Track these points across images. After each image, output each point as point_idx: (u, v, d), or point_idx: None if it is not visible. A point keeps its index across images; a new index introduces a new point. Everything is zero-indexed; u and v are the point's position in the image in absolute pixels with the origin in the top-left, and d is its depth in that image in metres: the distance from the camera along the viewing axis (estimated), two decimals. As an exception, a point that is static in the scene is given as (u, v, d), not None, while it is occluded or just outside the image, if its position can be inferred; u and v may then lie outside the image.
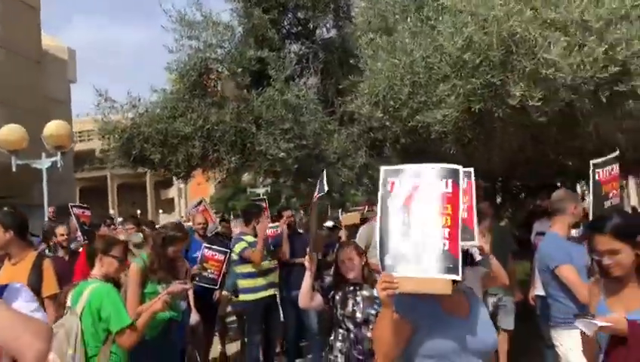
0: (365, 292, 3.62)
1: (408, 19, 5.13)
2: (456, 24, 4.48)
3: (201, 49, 7.56)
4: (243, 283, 6.32)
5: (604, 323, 2.30)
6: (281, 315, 6.42)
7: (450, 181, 2.27)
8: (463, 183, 2.32)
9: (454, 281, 2.19)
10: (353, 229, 7.78)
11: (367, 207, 8.89)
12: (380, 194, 2.35)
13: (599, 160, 4.24)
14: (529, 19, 4.03)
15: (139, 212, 43.34)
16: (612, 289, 2.48)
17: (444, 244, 2.22)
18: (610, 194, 4.24)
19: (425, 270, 2.19)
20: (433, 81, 4.77)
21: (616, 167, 4.27)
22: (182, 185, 48.44)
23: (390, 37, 5.36)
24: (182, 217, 43.55)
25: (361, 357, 3.47)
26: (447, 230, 2.23)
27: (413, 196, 2.30)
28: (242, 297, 6.37)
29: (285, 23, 8.66)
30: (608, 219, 2.50)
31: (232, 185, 27.75)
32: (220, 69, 7.51)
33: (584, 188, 10.70)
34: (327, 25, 8.85)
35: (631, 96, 4.40)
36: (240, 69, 7.31)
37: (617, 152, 4.31)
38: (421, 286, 2.19)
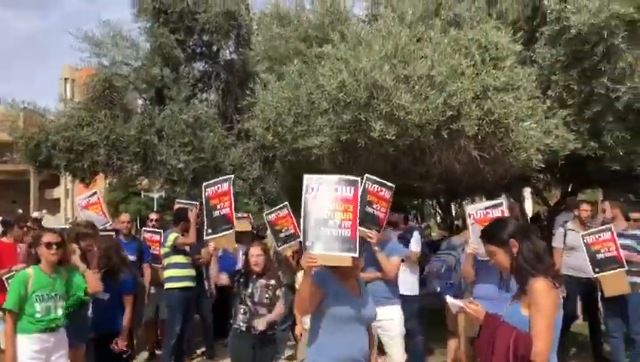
0: (263, 281, 4.79)
1: (295, 61, 6.15)
2: (333, 70, 5.57)
3: (107, 65, 8.12)
4: (170, 272, 6.91)
5: (465, 306, 2.76)
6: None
7: (351, 188, 3.27)
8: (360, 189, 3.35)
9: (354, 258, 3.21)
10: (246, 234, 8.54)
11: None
12: (303, 196, 3.25)
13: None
14: (386, 72, 5.21)
15: (20, 211, 40.90)
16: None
17: (347, 232, 3.22)
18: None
19: (334, 249, 3.19)
20: (314, 113, 5.83)
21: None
22: (69, 186, 46.25)
23: (279, 77, 6.35)
24: (68, 219, 41.42)
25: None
26: (349, 222, 3.23)
27: (327, 197, 3.26)
28: (168, 285, 6.89)
29: (191, 44, 9.40)
30: (485, 227, 2.96)
31: (124, 189, 27.43)
32: (125, 85, 8.10)
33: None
34: (230, 48, 9.69)
35: (462, 134, 5.69)
36: (144, 85, 7.96)
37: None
38: (332, 261, 3.20)
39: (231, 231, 4.98)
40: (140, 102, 8.28)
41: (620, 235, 5.85)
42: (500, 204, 4.90)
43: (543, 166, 6.28)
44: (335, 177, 3.34)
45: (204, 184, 5.11)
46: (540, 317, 2.49)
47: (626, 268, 5.63)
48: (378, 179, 4.88)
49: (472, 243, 4.77)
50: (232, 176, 5.19)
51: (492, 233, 2.81)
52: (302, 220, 3.28)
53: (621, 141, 6.49)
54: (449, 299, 2.87)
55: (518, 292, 2.69)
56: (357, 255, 3.22)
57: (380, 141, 5.56)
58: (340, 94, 5.51)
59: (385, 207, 4.84)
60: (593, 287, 6.28)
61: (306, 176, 3.32)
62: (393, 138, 5.43)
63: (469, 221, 4.97)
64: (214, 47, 9.54)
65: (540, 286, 2.54)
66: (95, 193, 7.60)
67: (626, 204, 6.51)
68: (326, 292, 3.21)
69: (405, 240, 6.14)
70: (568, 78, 6.61)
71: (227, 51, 9.77)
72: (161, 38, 8.54)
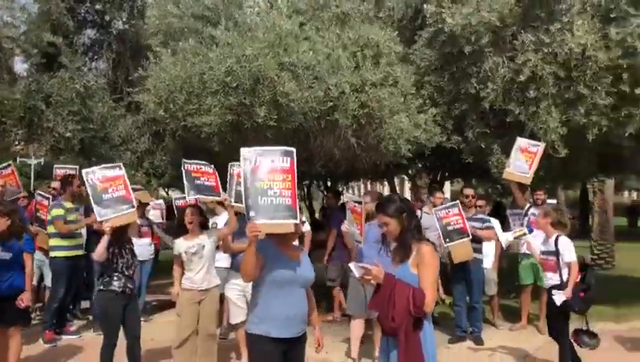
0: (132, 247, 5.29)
1: (190, 40, 6.36)
2: (222, 54, 5.88)
3: (-6, 25, 7.79)
4: (56, 241, 6.93)
5: (370, 268, 3.06)
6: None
7: (288, 158, 3.34)
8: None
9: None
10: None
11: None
12: (242, 168, 3.32)
13: None
14: (270, 61, 5.63)
15: None
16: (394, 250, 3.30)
17: (288, 200, 3.32)
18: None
19: (276, 217, 3.29)
20: (205, 93, 6.10)
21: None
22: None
23: (173, 52, 6.53)
24: None
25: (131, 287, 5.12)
26: (289, 191, 3.33)
27: (265, 168, 3.30)
28: (52, 254, 6.94)
29: (82, 11, 9.18)
30: (381, 201, 3.47)
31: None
32: (13, 48, 7.83)
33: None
34: (123, 18, 9.57)
35: (337, 125, 6.25)
36: (35, 50, 7.75)
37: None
38: (275, 229, 3.30)
39: (132, 210, 4.97)
40: (26, 66, 8.01)
41: (469, 219, 6.74)
42: (360, 203, 5.75)
43: (411, 155, 7.03)
44: (271, 148, 3.42)
45: (85, 171, 4.99)
46: (429, 273, 3.04)
47: (470, 237, 6.52)
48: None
49: (346, 223, 5.74)
50: (120, 163, 5.21)
51: (387, 206, 3.28)
52: (242, 192, 3.34)
53: (481, 136, 7.36)
54: (353, 265, 3.18)
55: (401, 256, 3.16)
56: (298, 221, 3.46)
57: (262, 125, 5.96)
58: (227, 78, 5.84)
59: None
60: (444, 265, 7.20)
61: (243, 149, 3.34)
62: (275, 123, 5.85)
63: (347, 207, 5.68)
64: (107, 17, 9.38)
65: (427, 248, 3.10)
66: (10, 165, 7.61)
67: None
68: (265, 258, 3.35)
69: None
70: (440, 79, 7.39)
71: (120, 22, 9.64)
72: (50, 3, 8.31)
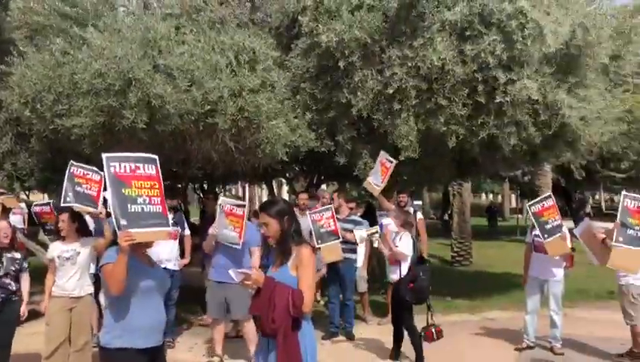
0: (8, 254, 5.18)
1: (58, 40, 6.11)
2: (92, 55, 5.73)
3: None
4: None
5: (250, 273, 3.08)
6: None
7: (152, 165, 3.36)
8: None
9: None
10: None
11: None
12: (105, 175, 3.22)
13: None
14: (141, 63, 5.58)
15: None
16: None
17: (158, 208, 3.32)
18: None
19: (148, 225, 3.26)
20: (75, 93, 5.89)
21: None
22: None
23: (39, 50, 6.22)
24: None
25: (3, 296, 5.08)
26: (158, 198, 3.33)
27: (131, 175, 3.27)
28: None
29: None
30: (265, 202, 3.52)
31: None
32: None
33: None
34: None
35: (215, 128, 6.33)
36: None
37: None
38: (149, 237, 3.31)
39: None
40: None
41: (342, 221, 7.14)
42: (243, 206, 5.90)
43: (288, 159, 7.29)
44: (134, 155, 3.36)
45: None
46: (308, 274, 3.12)
47: (341, 239, 6.87)
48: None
49: (215, 226, 5.73)
50: None
51: (271, 207, 3.31)
52: (110, 200, 3.25)
53: (351, 141, 7.81)
54: (232, 271, 3.12)
55: (281, 259, 3.21)
56: (170, 228, 3.45)
57: (135, 127, 5.87)
58: (97, 80, 5.70)
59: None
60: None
61: (105, 155, 3.27)
62: (145, 126, 5.80)
63: (219, 209, 5.71)
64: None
65: (306, 251, 3.18)
66: None
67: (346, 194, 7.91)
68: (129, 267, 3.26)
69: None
70: (314, 86, 7.72)
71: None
72: None
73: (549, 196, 6.49)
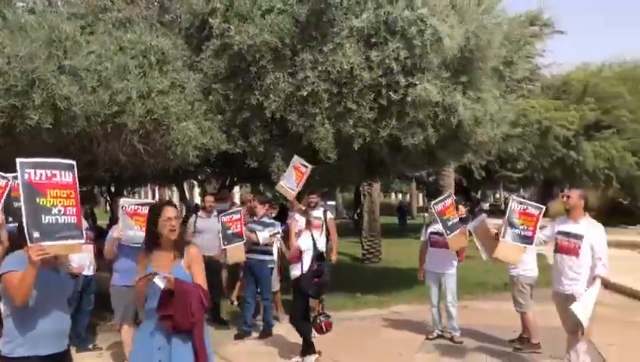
0: None
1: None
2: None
3: None
4: None
5: (170, 277, 3.20)
6: None
7: (70, 173, 3.19)
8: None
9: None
10: None
11: None
12: (19, 181, 2.99)
13: None
14: (45, 62, 5.40)
15: None
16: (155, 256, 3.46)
17: (73, 218, 3.13)
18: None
19: (63, 238, 3.10)
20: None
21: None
22: None
23: None
24: None
25: None
26: (73, 208, 3.14)
27: (47, 183, 3.06)
28: None
29: None
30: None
31: None
32: None
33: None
34: None
35: (127, 128, 6.22)
36: None
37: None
38: (62, 249, 3.14)
39: None
40: None
41: (254, 222, 7.28)
42: (149, 204, 5.70)
43: (199, 161, 7.27)
44: (51, 161, 3.16)
45: None
46: (201, 270, 3.45)
47: (245, 241, 7.00)
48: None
49: (118, 229, 5.58)
50: None
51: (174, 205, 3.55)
52: (22, 209, 3.00)
53: (264, 143, 7.91)
54: (157, 278, 3.17)
55: (173, 256, 3.42)
56: (84, 241, 3.35)
57: (39, 129, 5.67)
58: (-3, 80, 5.46)
59: None
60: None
61: (19, 161, 3.02)
62: (51, 127, 5.62)
63: (121, 211, 5.60)
64: None
65: (195, 249, 3.51)
66: None
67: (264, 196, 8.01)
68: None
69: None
70: (227, 88, 7.75)
71: None
72: None
73: (449, 195, 6.91)
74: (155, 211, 3.53)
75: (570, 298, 5.12)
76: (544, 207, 5.44)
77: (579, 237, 5.18)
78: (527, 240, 5.31)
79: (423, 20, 6.81)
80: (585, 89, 22.71)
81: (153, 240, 3.49)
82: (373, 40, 7.19)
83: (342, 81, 7.23)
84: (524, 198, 5.70)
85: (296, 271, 6.18)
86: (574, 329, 5.14)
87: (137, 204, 5.67)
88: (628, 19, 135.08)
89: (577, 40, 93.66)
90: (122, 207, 5.60)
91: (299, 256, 6.13)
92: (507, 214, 5.43)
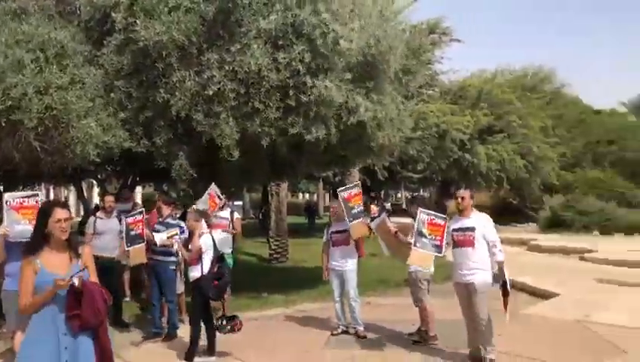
0: None
1: None
2: None
3: None
4: None
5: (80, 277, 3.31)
6: None
7: None
8: None
9: None
10: None
11: None
12: None
13: None
14: None
15: None
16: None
17: None
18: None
19: None
20: None
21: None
22: None
23: None
24: None
25: None
26: None
27: None
28: None
29: None
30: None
31: None
32: None
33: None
34: None
35: (22, 125, 5.90)
36: None
37: None
38: None
39: None
40: None
41: (160, 223, 7.16)
42: (36, 195, 5.51)
43: (99, 160, 7.02)
44: None
45: None
46: (94, 268, 3.56)
47: (145, 242, 6.90)
48: None
49: (4, 226, 5.28)
50: None
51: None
52: None
53: (169, 142, 7.76)
54: (76, 278, 3.31)
55: (70, 256, 3.47)
56: None
57: None
58: None
59: None
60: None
61: None
62: None
63: (5, 207, 5.31)
64: None
65: (88, 249, 3.67)
66: None
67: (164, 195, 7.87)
68: None
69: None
70: (130, 85, 7.53)
71: None
72: None
73: (357, 185, 7.32)
74: (45, 212, 3.49)
75: (470, 287, 5.67)
76: (447, 217, 6.01)
77: (471, 229, 5.74)
78: (438, 248, 5.86)
79: (325, 24, 7.01)
80: (479, 95, 24.14)
81: (41, 240, 3.46)
82: (280, 42, 7.29)
83: (249, 81, 7.26)
84: (423, 197, 6.13)
85: (195, 273, 6.14)
86: (473, 317, 5.71)
87: (22, 197, 5.40)
88: (518, 28, 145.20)
89: (475, 48, 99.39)
90: (7, 202, 5.31)
91: (198, 258, 6.09)
92: (416, 225, 5.93)
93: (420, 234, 5.88)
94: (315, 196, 49.22)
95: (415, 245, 5.90)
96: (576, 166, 30.02)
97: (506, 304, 5.72)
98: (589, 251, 14.97)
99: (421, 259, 5.95)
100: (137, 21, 7.04)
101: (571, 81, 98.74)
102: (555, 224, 21.91)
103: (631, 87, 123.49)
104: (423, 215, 5.94)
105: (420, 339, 6.73)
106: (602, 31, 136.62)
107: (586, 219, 21.22)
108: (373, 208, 7.67)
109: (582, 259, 14.57)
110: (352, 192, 7.06)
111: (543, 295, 9.66)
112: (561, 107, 33.58)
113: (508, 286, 5.68)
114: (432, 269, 6.63)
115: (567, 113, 33.65)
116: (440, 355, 6.22)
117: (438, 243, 5.84)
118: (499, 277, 5.67)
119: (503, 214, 23.37)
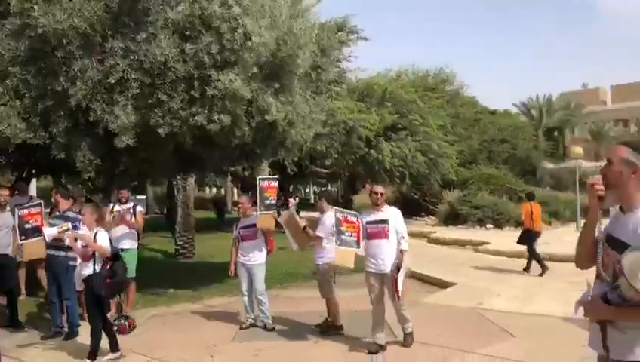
0: None
1: None
2: None
3: None
4: None
5: None
6: None
7: None
8: None
9: None
10: None
11: None
12: None
13: None
14: None
15: None
16: None
17: None
18: None
19: None
20: None
21: None
22: None
23: None
24: None
25: None
26: None
27: None
28: None
29: None
30: None
31: None
32: None
33: None
34: None
35: None
36: None
37: None
38: None
39: None
40: None
41: (56, 217, 6.86)
42: None
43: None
44: None
45: None
46: None
47: (42, 237, 6.52)
48: None
49: None
50: None
51: None
52: None
53: (68, 133, 7.40)
54: None
55: None
56: None
57: None
58: None
59: None
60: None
61: None
62: None
63: None
64: None
65: None
66: None
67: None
68: None
69: None
70: (26, 72, 7.10)
71: None
72: None
73: (277, 178, 7.72)
74: None
75: (385, 276, 6.05)
76: (358, 214, 6.41)
77: (385, 222, 6.13)
78: (357, 243, 6.20)
79: (235, 19, 6.99)
80: (384, 94, 24.89)
81: None
82: (187, 33, 7.18)
83: (155, 72, 7.09)
84: (330, 192, 6.36)
85: (86, 271, 5.91)
86: (391, 303, 6.16)
87: None
88: (424, 29, 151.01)
89: (382, 48, 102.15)
90: None
91: (91, 255, 5.87)
92: (334, 225, 6.26)
93: (340, 232, 6.19)
94: (223, 190, 48.65)
95: (338, 245, 6.21)
96: (472, 163, 31.74)
97: (398, 286, 6.03)
98: (483, 243, 16.02)
99: (344, 258, 6.22)
100: (35, 6, 6.66)
101: (469, 82, 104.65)
102: (452, 218, 23.15)
103: (522, 89, 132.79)
104: (337, 214, 6.25)
105: (327, 329, 6.92)
106: (498, 37, 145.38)
107: (481, 213, 22.61)
108: (292, 201, 7.83)
109: (476, 250, 15.57)
110: (270, 183, 7.34)
111: (441, 284, 10.23)
112: (459, 107, 35.35)
113: (401, 271, 6.03)
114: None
115: (465, 113, 35.50)
116: (346, 344, 6.44)
117: (355, 238, 6.17)
118: (399, 263, 6.03)
119: (406, 208, 24.28)
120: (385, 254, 6.07)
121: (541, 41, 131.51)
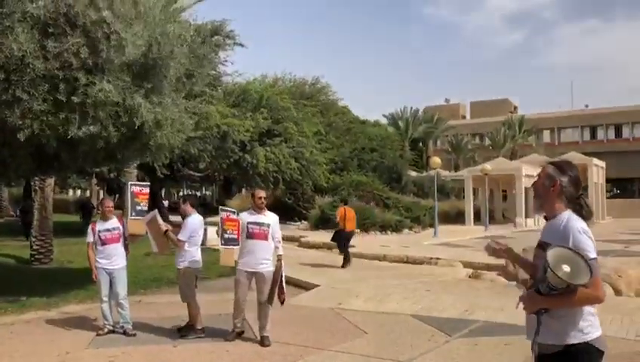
0: None
1: None
2: None
3: None
4: None
5: None
6: None
7: None
8: None
9: None
10: None
11: None
12: None
13: None
14: None
15: None
16: None
17: None
18: None
19: None
20: None
21: None
22: None
23: None
24: None
25: None
26: None
27: None
28: None
29: None
30: None
31: None
32: None
33: None
34: None
35: None
36: None
37: None
38: None
39: None
40: None
41: None
42: None
43: None
44: None
45: None
46: None
47: None
48: None
49: None
50: None
51: None
52: None
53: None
54: None
55: None
56: None
57: None
58: None
59: None
60: None
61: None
62: None
63: None
64: None
65: None
66: None
67: None
68: None
69: None
70: None
71: None
72: None
73: (149, 185, 7.79)
74: None
75: (258, 276, 6.53)
76: (236, 211, 7.03)
77: (267, 225, 6.62)
78: (235, 241, 6.74)
79: (107, 23, 6.84)
80: (260, 100, 25.20)
81: None
82: (50, 30, 6.89)
83: (11, 67, 6.73)
84: (195, 195, 6.50)
85: None
86: (260, 302, 6.57)
87: None
88: (303, 40, 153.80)
89: (259, 54, 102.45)
90: None
91: None
92: (219, 226, 6.80)
93: (224, 231, 6.73)
94: (88, 192, 46.11)
95: (222, 244, 6.76)
96: (344, 170, 33.01)
97: (275, 292, 6.52)
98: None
99: (229, 257, 6.78)
100: None
101: (343, 93, 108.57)
102: (323, 222, 23.91)
103: (390, 102, 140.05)
104: (222, 213, 6.87)
105: (187, 333, 6.95)
106: (370, 51, 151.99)
107: (349, 218, 23.62)
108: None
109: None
110: (142, 190, 7.46)
111: (305, 286, 10.63)
112: (332, 116, 36.64)
113: (283, 277, 6.65)
114: (201, 265, 7.08)
115: (338, 122, 36.85)
116: (205, 347, 6.53)
117: (235, 236, 6.72)
118: (278, 268, 6.55)
119: (280, 212, 24.70)
120: (261, 254, 6.55)
121: (411, 56, 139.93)
